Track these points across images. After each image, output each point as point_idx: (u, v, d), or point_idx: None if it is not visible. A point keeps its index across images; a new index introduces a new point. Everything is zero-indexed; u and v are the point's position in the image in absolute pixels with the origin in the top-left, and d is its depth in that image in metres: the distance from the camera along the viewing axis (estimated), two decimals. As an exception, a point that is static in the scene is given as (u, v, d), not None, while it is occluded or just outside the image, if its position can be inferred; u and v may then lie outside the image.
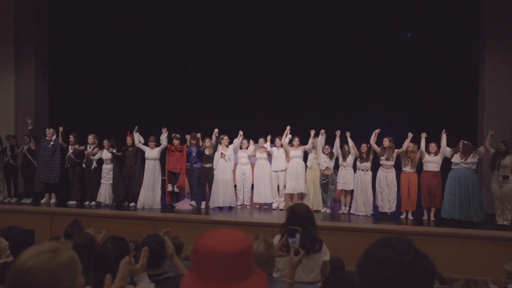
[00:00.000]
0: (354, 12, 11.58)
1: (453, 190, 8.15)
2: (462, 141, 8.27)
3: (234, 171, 9.58)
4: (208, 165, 9.42)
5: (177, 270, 3.43)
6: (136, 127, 9.55)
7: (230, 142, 9.58)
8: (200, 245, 1.27)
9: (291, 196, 9.23)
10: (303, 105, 12.18)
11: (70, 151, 9.64)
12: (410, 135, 8.63)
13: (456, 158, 8.20)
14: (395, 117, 12.14)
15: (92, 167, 9.57)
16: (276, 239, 3.23)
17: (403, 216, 8.61)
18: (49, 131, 9.77)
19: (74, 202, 9.62)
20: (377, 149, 8.77)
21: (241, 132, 9.50)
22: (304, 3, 11.74)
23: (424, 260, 1.15)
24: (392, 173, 8.69)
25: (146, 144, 9.50)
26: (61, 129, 9.83)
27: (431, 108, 11.13)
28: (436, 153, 8.47)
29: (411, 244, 1.18)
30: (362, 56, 11.84)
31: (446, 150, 8.42)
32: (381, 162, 8.77)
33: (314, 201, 9.23)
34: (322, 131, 9.14)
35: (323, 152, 9.21)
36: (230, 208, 9.40)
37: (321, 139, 9.12)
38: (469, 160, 8.10)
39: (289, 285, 2.82)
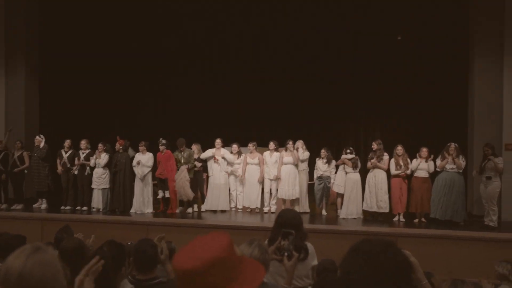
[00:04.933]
0: (345, 15, 11.66)
1: (438, 191, 8.27)
2: (453, 144, 8.34)
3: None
4: (197, 169, 9.46)
5: (169, 275, 3.43)
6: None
7: (225, 145, 9.64)
8: (172, 261, 1.31)
9: (283, 200, 9.23)
10: (294, 107, 12.23)
11: (65, 156, 9.59)
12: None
13: (448, 165, 8.27)
14: (385, 119, 12.23)
15: (86, 173, 9.53)
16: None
17: (395, 219, 8.66)
18: (37, 139, 9.74)
19: (68, 207, 9.56)
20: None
21: (217, 141, 9.51)
22: (295, 7, 11.79)
23: (394, 250, 1.21)
24: (382, 174, 8.74)
25: (136, 150, 9.48)
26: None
27: (421, 109, 11.22)
28: (427, 159, 8.52)
29: (384, 239, 1.25)
30: (352, 59, 11.93)
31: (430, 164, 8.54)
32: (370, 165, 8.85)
33: (307, 203, 9.28)
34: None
35: (320, 156, 9.28)
36: (223, 211, 9.41)
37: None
38: (461, 162, 8.21)
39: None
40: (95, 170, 9.46)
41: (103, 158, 9.41)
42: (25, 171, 9.76)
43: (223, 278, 1.25)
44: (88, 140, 9.74)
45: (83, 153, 9.60)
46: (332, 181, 9.23)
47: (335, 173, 9.26)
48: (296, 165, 9.20)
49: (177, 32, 12.60)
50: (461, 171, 8.30)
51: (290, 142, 9.21)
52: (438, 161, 8.42)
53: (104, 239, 3.36)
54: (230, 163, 9.42)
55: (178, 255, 1.28)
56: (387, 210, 8.66)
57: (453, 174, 8.23)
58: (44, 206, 9.70)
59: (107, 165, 9.43)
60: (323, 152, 9.29)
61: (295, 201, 9.22)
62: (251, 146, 9.51)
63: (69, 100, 12.23)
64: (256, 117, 12.36)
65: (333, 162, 9.32)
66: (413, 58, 11.37)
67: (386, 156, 8.75)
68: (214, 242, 1.30)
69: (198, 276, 1.23)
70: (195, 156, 9.48)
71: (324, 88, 12.10)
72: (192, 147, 9.59)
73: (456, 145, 8.36)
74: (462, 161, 8.27)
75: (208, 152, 9.50)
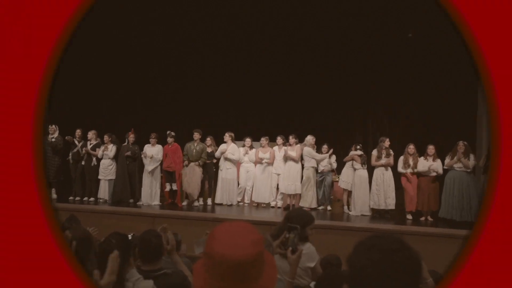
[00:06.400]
0: (355, 12, 11.54)
1: (449, 191, 8.19)
2: (462, 142, 8.27)
3: (238, 168, 9.61)
4: (208, 161, 9.46)
5: (175, 266, 3.44)
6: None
7: (236, 139, 9.65)
8: (214, 251, 1.24)
9: (289, 195, 9.21)
10: (301, 105, 12.17)
11: (78, 145, 9.64)
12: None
13: (456, 163, 8.20)
14: (393, 118, 12.15)
15: (92, 164, 9.57)
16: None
17: (409, 217, 8.57)
18: (51, 128, 9.80)
19: (77, 198, 9.62)
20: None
21: (226, 135, 9.52)
22: (304, 3, 11.68)
23: (409, 250, 1.20)
24: (390, 171, 8.68)
25: (147, 141, 9.50)
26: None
27: (430, 109, 11.13)
28: (434, 157, 8.44)
29: (398, 237, 1.23)
30: (362, 56, 11.82)
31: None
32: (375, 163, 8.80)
33: (311, 199, 9.25)
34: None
35: (322, 152, 9.23)
36: (229, 206, 9.42)
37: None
38: (469, 161, 8.12)
39: (288, 284, 2.84)
40: (102, 161, 9.50)
41: (111, 149, 9.44)
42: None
43: (257, 270, 1.25)
44: (97, 132, 9.77)
45: (90, 144, 9.64)
46: (333, 175, 9.25)
47: (336, 168, 9.38)
48: (296, 161, 9.15)
49: (188, 25, 12.55)
50: (469, 170, 8.22)
51: (291, 137, 9.19)
52: (447, 159, 8.35)
53: (111, 229, 3.38)
54: (235, 161, 9.46)
55: (219, 246, 1.23)
56: (393, 207, 8.62)
57: (461, 173, 8.14)
58: (54, 196, 9.75)
59: (115, 157, 9.47)
60: (325, 148, 9.25)
61: (298, 195, 9.19)
62: (264, 140, 9.48)
63: (79, 90, 12.25)
64: (265, 112, 12.32)
65: (333, 157, 9.37)
66: (423, 55, 11.25)
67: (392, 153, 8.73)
68: (251, 233, 1.28)
69: (244, 267, 1.21)
70: (209, 150, 9.50)
71: (334, 84, 12.04)
72: (207, 140, 9.60)
73: (465, 143, 8.28)
74: (471, 160, 8.18)
75: (220, 151, 9.52)
